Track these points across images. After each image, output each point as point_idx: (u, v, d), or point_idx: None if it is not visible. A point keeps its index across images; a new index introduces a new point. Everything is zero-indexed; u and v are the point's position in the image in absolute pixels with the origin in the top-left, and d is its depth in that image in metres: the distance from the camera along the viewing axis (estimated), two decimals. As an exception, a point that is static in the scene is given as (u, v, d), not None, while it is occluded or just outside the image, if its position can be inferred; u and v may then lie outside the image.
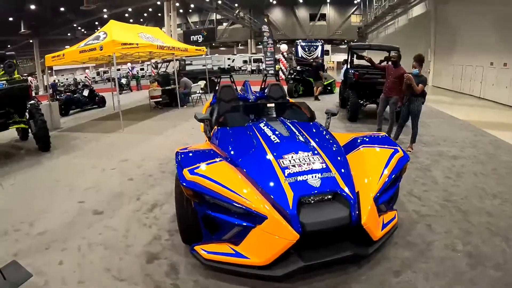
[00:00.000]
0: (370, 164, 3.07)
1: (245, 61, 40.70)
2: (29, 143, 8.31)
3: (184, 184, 2.67)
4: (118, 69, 38.32)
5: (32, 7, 27.72)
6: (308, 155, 3.04)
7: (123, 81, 22.38)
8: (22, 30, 31.66)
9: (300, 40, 21.08)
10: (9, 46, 39.21)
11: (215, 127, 4.16)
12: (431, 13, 18.53)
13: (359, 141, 3.52)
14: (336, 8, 46.45)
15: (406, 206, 3.93)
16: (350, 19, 46.18)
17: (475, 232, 3.37)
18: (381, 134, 3.74)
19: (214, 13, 41.81)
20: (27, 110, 8.04)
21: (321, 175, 2.80)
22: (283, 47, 22.12)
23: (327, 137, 3.73)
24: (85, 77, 37.60)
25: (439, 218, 3.65)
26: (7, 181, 5.67)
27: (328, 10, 46.86)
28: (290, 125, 3.81)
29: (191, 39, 42.24)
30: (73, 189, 5.05)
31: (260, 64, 36.57)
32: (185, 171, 2.76)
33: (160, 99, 12.90)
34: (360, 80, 8.63)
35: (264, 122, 3.91)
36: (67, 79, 37.92)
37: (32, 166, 6.54)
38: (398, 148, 3.27)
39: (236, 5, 40.55)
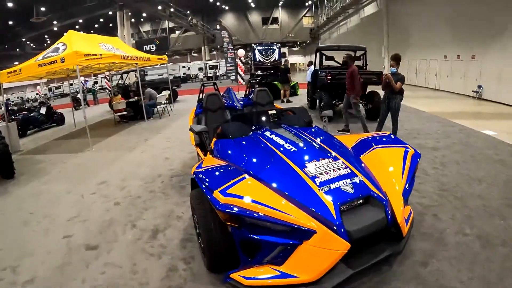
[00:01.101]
0: (389, 162, 3.10)
1: (200, 69, 40.33)
2: None
3: (220, 208, 2.41)
4: (71, 84, 36.62)
5: None
6: (330, 162, 2.97)
7: (79, 96, 21.25)
8: None
9: (257, 44, 21.22)
10: None
11: (214, 139, 4.00)
12: (382, 11, 19.42)
13: (369, 141, 3.53)
14: (287, 11, 47.54)
15: (409, 200, 4.02)
16: (302, 21, 47.47)
17: (475, 215, 3.61)
18: (386, 134, 3.81)
19: (167, 22, 41.18)
20: None
21: (351, 180, 2.76)
22: (240, 51, 22.14)
23: (334, 140, 3.70)
24: (37, 93, 35.50)
25: (441, 207, 3.85)
26: None
27: (280, 13, 47.87)
28: (297, 131, 3.72)
29: (144, 49, 41.00)
30: (53, 221, 4.44)
31: (217, 70, 36.44)
32: (217, 194, 2.50)
33: (125, 113, 12.38)
34: (333, 80, 8.81)
35: (268, 130, 3.78)
36: (17, 97, 35.61)
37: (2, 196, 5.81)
38: (408, 146, 3.33)
39: (188, 12, 40.28)
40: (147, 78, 26.65)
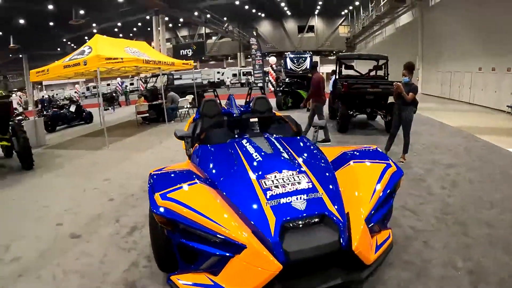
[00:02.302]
0: (361, 181, 2.82)
1: (234, 75, 40.75)
2: (14, 161, 7.95)
3: (155, 210, 2.43)
4: (108, 84, 38.24)
5: (21, 21, 27.53)
6: (293, 174, 2.81)
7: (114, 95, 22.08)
8: (11, 45, 31.46)
9: (289, 52, 21.04)
10: None
11: (196, 144, 3.94)
12: (418, 21, 18.74)
13: (348, 155, 3.27)
14: (324, 19, 47.07)
15: (400, 222, 3.71)
16: (338, 30, 46.86)
17: (474, 245, 3.17)
18: (372, 148, 3.49)
19: (204, 27, 41.90)
20: (10, 127, 7.71)
21: (307, 196, 2.56)
22: (272, 59, 22.06)
23: (314, 152, 3.50)
24: (75, 92, 37.25)
25: (436, 232, 3.44)
26: None
27: (316, 22, 47.44)
28: (274, 141, 3.56)
29: (181, 53, 42.25)
30: (52, 211, 4.77)
31: (250, 77, 36.61)
32: (157, 196, 2.52)
33: (147, 115, 12.63)
34: (349, 90, 8.50)
35: (246, 138, 3.66)
36: (56, 94, 37.54)
37: (12, 185, 6.27)
38: (391, 162, 3.05)
39: (225, 18, 40.88)
40: (180, 82, 27.32)
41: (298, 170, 2.87)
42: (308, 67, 19.36)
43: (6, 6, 22.23)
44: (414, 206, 4.09)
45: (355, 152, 3.35)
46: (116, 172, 6.55)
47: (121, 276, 3.04)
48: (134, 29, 42.90)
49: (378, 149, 3.43)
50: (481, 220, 3.65)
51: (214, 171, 3.09)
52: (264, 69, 22.92)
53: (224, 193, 2.68)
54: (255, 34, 45.27)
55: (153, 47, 22.83)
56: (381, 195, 2.66)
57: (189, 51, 41.57)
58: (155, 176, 2.90)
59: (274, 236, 2.26)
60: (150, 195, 2.60)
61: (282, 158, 3.13)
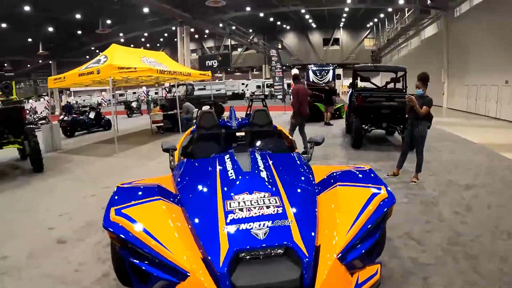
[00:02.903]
0: (343, 208, 2.47)
1: (258, 86, 40.66)
2: (27, 163, 8.08)
3: (105, 225, 2.32)
4: (134, 92, 39.06)
5: (50, 29, 28.62)
6: (264, 196, 2.54)
7: (134, 104, 22.41)
8: (40, 51, 32.77)
9: (312, 65, 20.79)
10: (28, 65, 41.00)
11: (182, 158, 3.73)
12: (443, 33, 18.09)
13: (337, 176, 2.91)
14: (349, 32, 46.57)
15: (400, 252, 3.29)
16: (363, 43, 46.17)
17: (483, 285, 2.72)
18: (365, 168, 3.12)
19: (229, 39, 42.29)
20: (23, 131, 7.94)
21: (272, 223, 2.27)
22: (294, 71, 21.79)
23: (300, 171, 3.19)
24: (102, 99, 38.27)
25: (440, 267, 3.00)
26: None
27: (341, 34, 46.98)
28: (258, 157, 3.26)
29: (207, 64, 42.83)
30: (50, 214, 4.85)
31: (273, 89, 36.53)
32: (112, 211, 2.40)
33: (162, 124, 12.61)
34: (364, 103, 8.10)
35: (230, 153, 3.41)
36: (83, 100, 38.65)
37: (21, 186, 6.55)
38: (382, 187, 2.64)
39: (250, 30, 41.11)
40: (201, 92, 27.50)
41: (271, 192, 2.60)
42: (330, 79, 19.09)
43: (36, 14, 23.18)
44: (419, 234, 3.67)
45: (345, 173, 2.99)
46: (118, 180, 6.22)
47: (90, 285, 3.00)
48: (161, 39, 43.75)
49: (372, 170, 3.06)
50: (495, 254, 3.19)
51: (184, 187, 2.91)
52: (288, 81, 22.63)
53: (186, 214, 2.49)
54: (277, 46, 45.51)
55: (177, 58, 23.18)
56: (364, 225, 2.30)
57: (215, 62, 42.05)
58: (119, 190, 2.79)
59: (222, 266, 2.00)
60: (107, 208, 2.47)
61: (258, 177, 2.84)
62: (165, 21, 27.80)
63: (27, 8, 21.75)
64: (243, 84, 41.66)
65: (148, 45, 44.31)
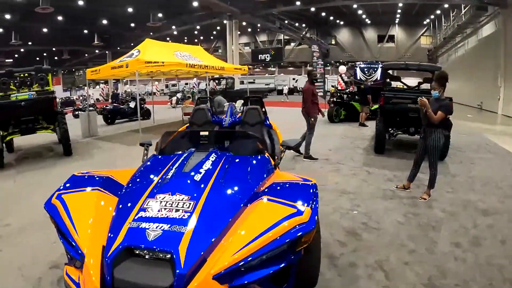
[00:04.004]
0: (250, 224, 2.21)
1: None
2: (61, 147, 8.59)
3: (44, 206, 2.54)
4: (187, 83, 40.01)
5: (104, 22, 30.03)
6: (181, 199, 2.42)
7: (179, 95, 22.85)
8: (95, 42, 34.58)
9: (361, 62, 19.62)
10: (86, 55, 43.41)
11: (155, 152, 3.67)
12: (500, 32, 15.96)
13: (273, 188, 2.65)
14: (405, 29, 43.22)
15: (357, 284, 2.72)
16: (419, 41, 42.76)
17: None
18: (310, 182, 2.67)
19: (281, 33, 41.51)
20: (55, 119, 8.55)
21: (170, 227, 2.16)
22: (341, 68, 20.65)
23: (247, 178, 2.87)
24: (155, 89, 39.70)
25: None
26: (21, 177, 6.49)
27: (396, 31, 43.86)
28: (211, 158, 3.07)
29: (259, 58, 42.64)
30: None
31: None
32: (55, 194, 2.62)
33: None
34: (386, 105, 7.22)
35: (190, 152, 3.28)
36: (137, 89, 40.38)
37: (47, 168, 7.13)
38: (307, 209, 2.24)
39: (304, 25, 40.01)
40: (251, 86, 27.30)
41: (191, 196, 2.46)
42: (378, 78, 17.80)
43: (91, 8, 24.42)
44: (394, 265, 3.01)
45: (283, 185, 2.74)
46: (130, 166, 6.49)
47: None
48: (214, 32, 44.07)
49: (315, 185, 2.61)
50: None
51: (131, 181, 2.94)
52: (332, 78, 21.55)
53: (117, 205, 2.57)
54: (333, 42, 43.72)
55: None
56: (263, 247, 2.00)
57: (267, 56, 41.61)
58: (72, 177, 2.95)
59: (109, 256, 2.04)
60: (53, 193, 2.66)
61: (188, 180, 2.69)
62: (215, 15, 27.84)
63: (81, 3, 22.97)
64: (293, 79, 40.79)
65: (201, 37, 44.98)
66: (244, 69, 14.26)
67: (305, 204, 2.28)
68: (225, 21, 28.28)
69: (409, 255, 3.20)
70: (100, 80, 38.15)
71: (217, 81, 23.26)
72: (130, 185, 2.87)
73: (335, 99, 13.86)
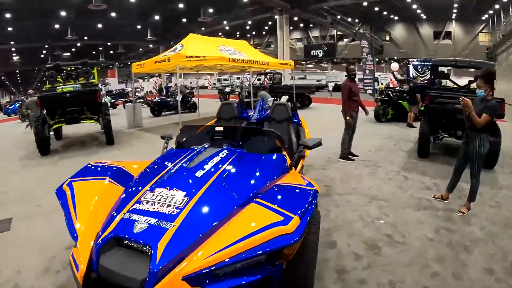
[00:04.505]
0: (233, 228, 2.09)
1: (360, 79, 37.88)
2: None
3: (56, 191, 2.67)
4: (238, 78, 40.35)
5: (156, 17, 30.99)
6: (177, 195, 2.36)
7: (227, 89, 23.02)
8: (148, 37, 35.82)
9: (414, 59, 18.34)
10: (140, 49, 45.12)
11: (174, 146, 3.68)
12: None
13: (271, 191, 2.48)
14: (462, 25, 39.29)
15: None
16: (478, 38, 38.88)
17: None
18: (310, 189, 2.44)
19: (334, 29, 40.16)
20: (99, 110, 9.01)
21: (157, 221, 2.13)
22: (394, 65, 19.41)
23: (252, 177, 2.67)
24: (208, 82, 40.53)
25: None
26: (63, 163, 6.90)
27: (453, 27, 40.21)
28: (221, 154, 2.97)
29: (312, 54, 41.67)
30: None
31: (375, 83, 33.76)
32: (67, 180, 2.75)
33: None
34: (431, 104, 6.52)
35: (204, 148, 3.19)
36: (190, 82, 41.38)
37: (88, 155, 7.49)
38: (295, 218, 2.04)
39: (357, 20, 38.36)
40: (301, 82, 26.75)
41: (187, 192, 2.39)
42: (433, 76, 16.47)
43: (143, 4, 25.39)
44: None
45: (282, 189, 2.54)
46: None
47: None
48: (266, 27, 43.78)
49: (313, 192, 2.39)
50: None
51: (141, 173, 2.95)
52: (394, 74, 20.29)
53: (120, 196, 2.60)
54: (387, 38, 41.35)
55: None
56: (238, 254, 1.88)
57: (320, 52, 40.51)
58: (86, 167, 3.05)
59: (99, 243, 2.10)
60: (66, 179, 2.78)
61: (189, 175, 2.64)
62: (266, 9, 27.59)
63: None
64: (346, 76, 39.33)
65: (253, 32, 44.92)
66: (290, 64, 13.89)
67: (296, 213, 2.07)
68: (276, 16, 27.92)
69: (431, 278, 2.78)
70: (155, 73, 39.89)
71: (268, 76, 23.11)
72: (138, 177, 2.87)
73: (383, 97, 12.99)
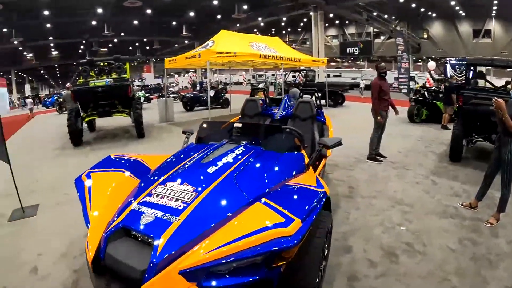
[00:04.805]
0: (235, 226, 2.06)
1: (396, 78, 36.47)
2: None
3: (74, 181, 2.76)
4: (273, 74, 40.17)
5: (191, 14, 31.41)
6: (186, 190, 2.38)
7: (261, 86, 23.01)
8: (183, 33, 36.37)
9: (452, 58, 17.39)
10: (176, 45, 45.69)
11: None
12: None
13: (280, 191, 2.45)
14: (502, 23, 36.35)
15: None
16: (519, 37, 35.90)
17: None
18: (320, 190, 2.40)
19: (371, 26, 38.89)
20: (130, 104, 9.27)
21: (163, 215, 2.16)
22: (431, 64, 18.51)
23: (265, 176, 2.62)
24: (243, 79, 40.64)
25: None
26: (93, 153, 7.13)
27: (493, 25, 37.40)
28: (237, 151, 2.95)
29: (347, 51, 40.77)
30: None
31: (411, 82, 32.23)
32: (87, 171, 2.85)
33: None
34: (465, 106, 6.12)
35: (222, 144, 3.22)
36: (225, 78, 41.57)
37: (118, 147, 7.74)
38: (297, 220, 1.98)
39: (393, 17, 36.90)
40: (336, 80, 26.21)
41: (197, 187, 2.40)
42: (470, 76, 15.52)
43: (178, 1, 25.82)
44: None
45: (290, 189, 2.50)
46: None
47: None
48: (301, 24, 43.14)
49: (322, 195, 2.34)
50: None
51: (158, 167, 3.00)
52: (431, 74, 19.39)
53: (139, 185, 2.68)
54: (425, 36, 39.37)
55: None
56: (236, 253, 1.85)
57: (356, 50, 39.52)
58: (106, 158, 3.16)
59: (107, 232, 2.18)
60: (85, 170, 2.90)
61: (201, 171, 2.64)
62: (300, 6, 27.18)
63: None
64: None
65: (288, 29, 44.41)
66: (323, 61, 13.62)
67: (298, 216, 2.02)
68: (310, 13, 27.47)
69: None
70: (191, 69, 40.46)
71: (303, 73, 22.83)
72: (154, 170, 2.92)
73: (417, 97, 12.40)
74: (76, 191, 2.66)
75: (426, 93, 12.30)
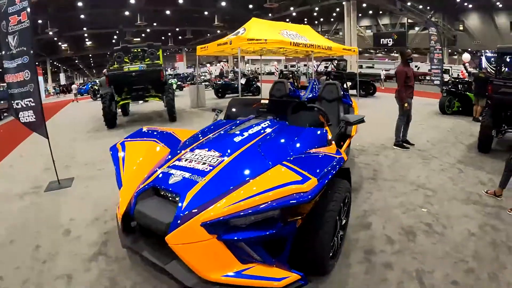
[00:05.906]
0: (255, 184, 2.12)
1: (429, 70, 34.84)
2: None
3: (110, 149, 2.95)
4: (305, 65, 39.59)
5: (223, 4, 31.34)
6: (213, 155, 2.52)
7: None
8: (216, 23, 36.19)
9: (487, 51, 16.28)
10: (208, 35, 45.48)
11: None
12: None
13: (302, 156, 2.51)
14: None
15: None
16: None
17: None
18: (337, 156, 2.49)
19: (405, 17, 37.15)
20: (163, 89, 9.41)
21: (190, 176, 2.29)
22: (465, 56, 17.43)
23: (288, 147, 2.69)
24: (275, 68, 40.24)
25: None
26: (127, 134, 7.19)
27: None
28: (263, 124, 3.07)
29: (381, 42, 39.18)
30: None
31: (445, 75, 30.62)
32: (121, 140, 3.06)
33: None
34: (495, 95, 5.78)
35: (249, 119, 3.37)
36: (257, 68, 41.27)
37: None
38: (312, 179, 2.02)
39: (428, 8, 35.03)
40: (369, 71, 25.44)
41: (223, 153, 2.52)
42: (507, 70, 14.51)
43: None
44: (437, 281, 2.41)
45: (311, 155, 2.58)
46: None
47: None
48: (334, 14, 41.93)
49: (339, 160, 2.38)
50: None
51: (188, 139, 3.14)
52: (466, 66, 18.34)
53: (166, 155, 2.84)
54: (461, 28, 37.03)
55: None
56: (254, 206, 1.92)
57: (390, 41, 37.90)
58: (139, 130, 3.37)
59: (137, 191, 2.34)
60: (121, 139, 3.11)
61: (228, 140, 2.78)
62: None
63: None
64: (416, 66, 36.48)
65: (321, 19, 43.30)
66: (354, 50, 13.26)
67: (315, 175, 2.06)
68: (343, 2, 26.60)
69: (463, 274, 2.53)
70: (223, 59, 40.41)
71: (334, 63, 22.31)
72: (184, 141, 3.08)
73: (449, 88, 11.82)
74: (111, 158, 2.83)
75: (459, 84, 11.71)
